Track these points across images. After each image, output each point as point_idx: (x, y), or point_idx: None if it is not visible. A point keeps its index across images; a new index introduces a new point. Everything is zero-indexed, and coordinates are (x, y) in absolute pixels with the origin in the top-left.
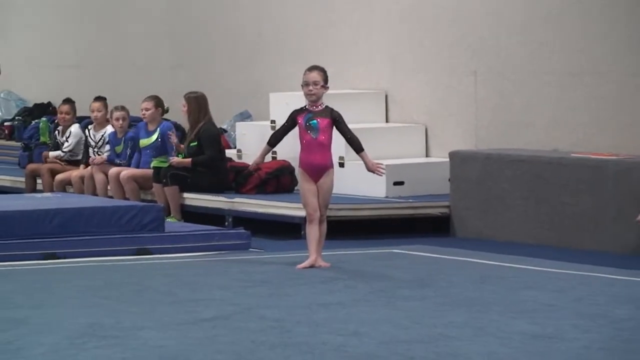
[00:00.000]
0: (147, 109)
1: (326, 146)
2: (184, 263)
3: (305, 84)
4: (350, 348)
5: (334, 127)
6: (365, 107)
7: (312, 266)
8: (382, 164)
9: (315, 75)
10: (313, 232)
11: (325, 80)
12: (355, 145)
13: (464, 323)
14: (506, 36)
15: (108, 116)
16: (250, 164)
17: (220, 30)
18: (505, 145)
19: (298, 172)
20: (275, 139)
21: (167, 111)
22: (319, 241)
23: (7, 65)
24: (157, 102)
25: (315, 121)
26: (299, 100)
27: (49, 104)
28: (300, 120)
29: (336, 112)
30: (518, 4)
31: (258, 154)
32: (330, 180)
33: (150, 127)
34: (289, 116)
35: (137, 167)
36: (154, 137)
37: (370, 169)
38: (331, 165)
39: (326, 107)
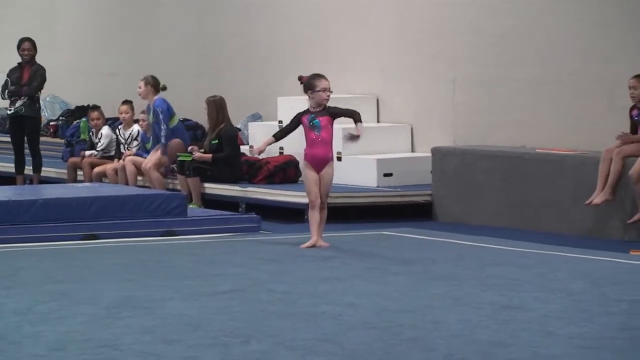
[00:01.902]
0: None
1: (328, 142)
2: (204, 243)
3: (323, 90)
4: (347, 317)
5: (334, 120)
6: (359, 109)
7: (313, 246)
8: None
9: (328, 83)
10: (314, 216)
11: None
12: (355, 117)
13: (443, 295)
14: (481, 49)
15: (136, 117)
16: (261, 158)
17: (236, 45)
18: (480, 143)
19: (303, 164)
20: (281, 135)
21: (163, 89)
22: (320, 224)
23: (53, 72)
24: (147, 80)
25: (317, 120)
26: (302, 103)
27: (88, 106)
28: (305, 120)
29: (330, 107)
30: (491, 22)
31: (263, 142)
32: (331, 171)
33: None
34: (294, 118)
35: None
36: (150, 116)
37: (357, 133)
38: (332, 158)
39: (324, 107)
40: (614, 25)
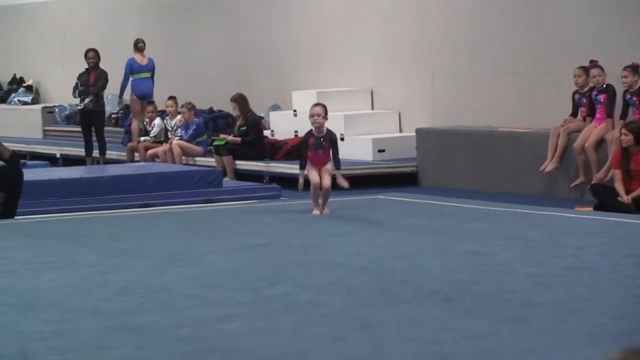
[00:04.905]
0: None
1: (326, 157)
2: (236, 208)
3: (311, 115)
4: (351, 263)
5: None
6: (357, 99)
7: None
8: (345, 182)
9: (318, 110)
10: (315, 191)
11: (326, 113)
12: (336, 163)
13: (427, 245)
14: (453, 49)
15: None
16: (280, 139)
17: (259, 50)
18: (454, 124)
19: (307, 166)
20: (304, 162)
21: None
22: (323, 201)
23: (113, 75)
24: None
25: (321, 144)
26: (313, 96)
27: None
28: (311, 142)
29: (334, 134)
30: (459, 28)
31: (300, 179)
32: (328, 177)
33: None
34: (302, 140)
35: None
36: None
37: (338, 182)
38: (329, 164)
39: (327, 130)
40: (561, 26)
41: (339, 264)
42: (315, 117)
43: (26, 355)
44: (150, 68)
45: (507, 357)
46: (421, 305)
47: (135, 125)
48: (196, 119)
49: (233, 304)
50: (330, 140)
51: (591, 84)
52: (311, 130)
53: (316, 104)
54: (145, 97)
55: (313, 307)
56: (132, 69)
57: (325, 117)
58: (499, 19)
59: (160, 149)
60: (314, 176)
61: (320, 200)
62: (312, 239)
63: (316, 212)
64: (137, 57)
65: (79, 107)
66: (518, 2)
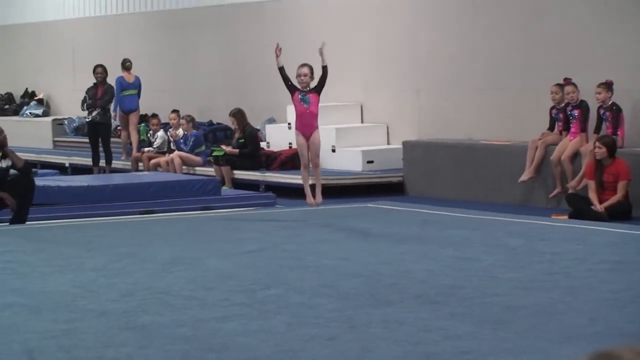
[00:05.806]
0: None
1: (315, 114)
2: (234, 215)
3: (298, 75)
4: (341, 268)
5: (320, 94)
6: (347, 113)
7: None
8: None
9: (305, 70)
10: (306, 175)
11: (312, 73)
12: (323, 64)
13: (413, 251)
14: (438, 66)
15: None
16: (275, 150)
17: (255, 67)
18: (439, 137)
19: (294, 133)
20: (283, 73)
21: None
22: (317, 181)
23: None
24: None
25: (307, 97)
26: None
27: (146, 114)
28: (297, 96)
29: (316, 86)
30: (445, 46)
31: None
32: (317, 136)
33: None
34: (290, 86)
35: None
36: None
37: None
38: (317, 127)
39: (311, 88)
40: (540, 46)
41: (330, 269)
42: (302, 77)
43: (32, 355)
44: (137, 85)
45: (488, 357)
46: (407, 308)
47: (123, 137)
48: (194, 131)
49: (229, 305)
50: (316, 92)
51: (567, 100)
52: (298, 88)
53: (303, 65)
54: (131, 112)
55: (305, 308)
56: (121, 86)
57: (312, 76)
58: (482, 38)
59: (162, 159)
60: (302, 148)
61: (312, 180)
62: (304, 245)
63: (310, 200)
64: (125, 75)
65: (87, 120)
66: (500, 24)
